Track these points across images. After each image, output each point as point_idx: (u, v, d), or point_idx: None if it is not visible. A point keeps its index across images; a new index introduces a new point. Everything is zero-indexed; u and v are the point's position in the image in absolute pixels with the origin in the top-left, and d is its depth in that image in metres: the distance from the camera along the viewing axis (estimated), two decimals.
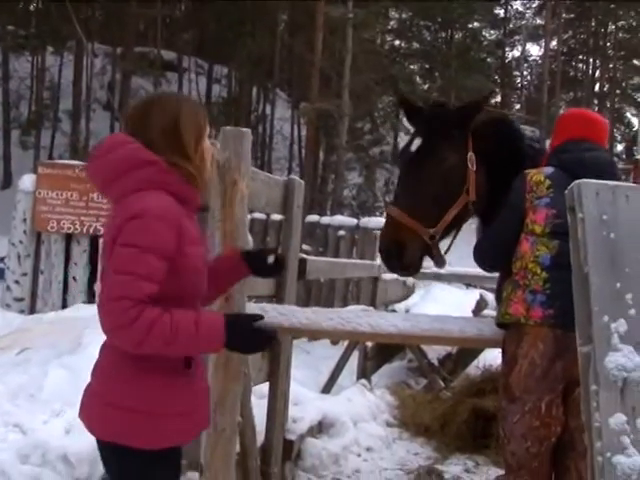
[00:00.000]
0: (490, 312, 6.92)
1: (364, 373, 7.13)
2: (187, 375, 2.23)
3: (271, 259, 2.61)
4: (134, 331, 1.99)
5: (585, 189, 2.33)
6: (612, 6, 33.85)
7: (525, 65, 43.68)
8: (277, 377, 4.37)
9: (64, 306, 8.83)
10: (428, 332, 3.25)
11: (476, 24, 34.44)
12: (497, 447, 4.97)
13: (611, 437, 2.12)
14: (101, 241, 2.23)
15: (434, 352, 7.18)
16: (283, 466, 4.54)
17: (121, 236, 2.06)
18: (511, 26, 39.96)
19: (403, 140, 27.59)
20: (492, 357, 6.22)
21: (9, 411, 4.44)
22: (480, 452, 5.61)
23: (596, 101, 37.48)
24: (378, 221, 11.91)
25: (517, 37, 40.88)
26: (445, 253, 3.24)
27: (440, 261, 3.20)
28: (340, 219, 12.56)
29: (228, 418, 3.15)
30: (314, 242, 12.15)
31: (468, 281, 11.54)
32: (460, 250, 3.28)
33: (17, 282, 9.08)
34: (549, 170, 2.98)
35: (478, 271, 3.80)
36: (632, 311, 2.24)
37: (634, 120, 39.17)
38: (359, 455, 5.36)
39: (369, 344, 7.05)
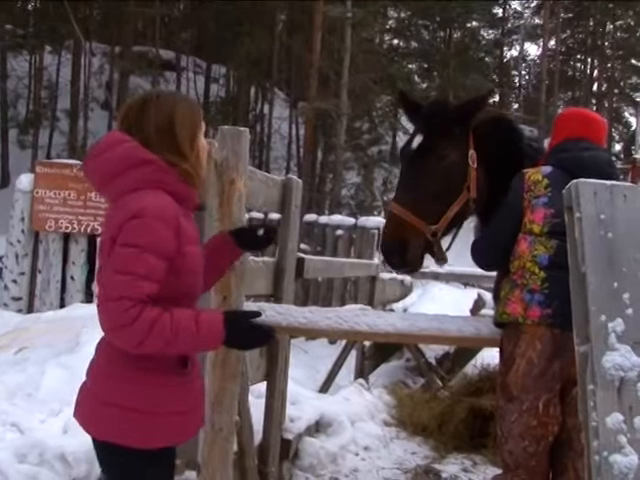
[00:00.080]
0: (488, 311, 6.91)
1: (362, 372, 7.14)
2: (183, 374, 2.23)
3: (260, 232, 2.65)
4: (134, 331, 1.99)
5: (583, 188, 2.33)
6: (610, 6, 33.91)
7: (523, 65, 43.76)
8: (275, 376, 4.37)
9: (62, 305, 8.82)
10: (426, 331, 3.24)
11: (474, 23, 34.46)
12: (494, 446, 4.98)
13: (608, 436, 2.13)
14: (99, 240, 2.23)
15: (432, 351, 7.18)
16: (281, 465, 4.54)
17: (121, 236, 2.06)
18: (509, 26, 39.97)
19: (402, 139, 27.62)
20: (490, 356, 6.23)
21: (7, 410, 4.44)
22: (478, 451, 5.62)
23: (594, 101, 37.48)
24: (376, 220, 11.93)
25: (515, 37, 40.92)
26: (446, 251, 3.24)
27: (442, 258, 3.19)
28: (338, 218, 12.56)
29: (225, 417, 3.15)
30: (312, 241, 12.16)
31: (466, 280, 11.57)
32: (458, 249, 3.27)
33: (15, 281, 9.08)
34: (547, 169, 2.98)
35: (476, 270, 3.81)
36: (629, 310, 2.25)
37: (632, 120, 39.22)
38: (357, 454, 5.36)
39: (367, 343, 7.06)
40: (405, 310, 8.74)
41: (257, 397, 4.43)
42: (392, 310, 8.77)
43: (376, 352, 7.36)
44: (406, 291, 10.64)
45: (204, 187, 2.83)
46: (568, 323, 2.41)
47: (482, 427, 5.74)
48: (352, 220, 12.15)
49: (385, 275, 9.90)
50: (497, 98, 37.97)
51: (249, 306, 3.35)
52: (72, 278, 9.07)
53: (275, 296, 4.34)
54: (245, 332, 2.20)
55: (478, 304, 8.23)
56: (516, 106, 42.46)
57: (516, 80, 44.96)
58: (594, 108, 32.79)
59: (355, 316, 3.27)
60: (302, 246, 10.51)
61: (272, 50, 27.44)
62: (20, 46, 25.71)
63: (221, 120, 22.77)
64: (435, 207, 3.09)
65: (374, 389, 6.67)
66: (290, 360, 4.86)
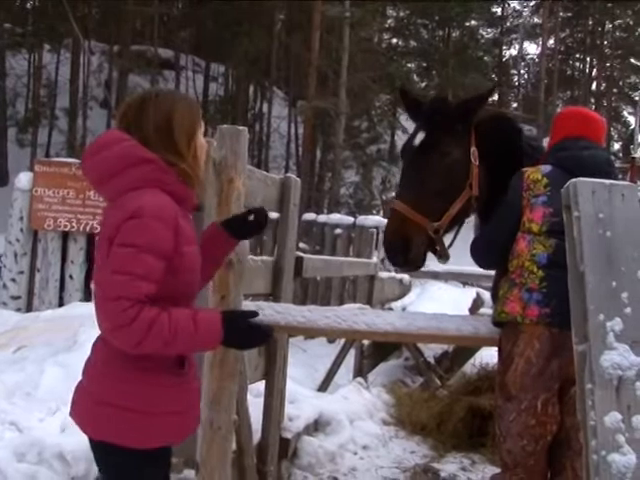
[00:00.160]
0: (487, 310, 6.92)
1: (360, 371, 7.14)
2: (180, 375, 2.23)
3: (251, 217, 2.63)
4: (133, 331, 1.99)
5: (581, 188, 2.33)
6: (609, 5, 33.89)
7: (522, 64, 43.68)
8: (273, 375, 4.37)
9: (61, 304, 8.83)
10: (424, 330, 3.24)
11: (473, 22, 34.39)
12: (493, 445, 4.98)
13: (606, 435, 2.13)
14: (96, 239, 2.23)
15: (430, 350, 7.18)
16: (279, 464, 4.54)
17: (119, 236, 2.05)
18: (508, 24, 39.90)
19: (400, 138, 27.65)
20: (488, 355, 6.23)
21: (5, 409, 4.44)
22: (476, 450, 5.62)
23: (593, 100, 37.48)
24: (375, 219, 11.95)
25: (514, 36, 40.85)
26: (447, 249, 3.23)
27: (444, 255, 3.19)
28: (337, 217, 12.58)
29: (224, 416, 3.15)
30: (311, 240, 12.17)
31: (465, 279, 11.59)
32: (457, 248, 3.27)
33: (14, 280, 9.09)
34: (546, 168, 2.98)
35: (475, 269, 3.81)
36: (627, 310, 2.25)
37: (631, 119, 39.21)
38: (355, 453, 5.36)
39: (365, 342, 7.06)
40: (404, 309, 8.76)
41: (256, 396, 4.43)
42: (391, 309, 8.79)
43: (375, 351, 7.36)
44: (405, 290, 10.65)
45: (203, 187, 2.83)
46: (566, 322, 2.42)
47: (481, 426, 5.75)
48: (351, 219, 12.17)
49: (384, 274, 9.91)
50: (496, 97, 37.98)
51: (247, 305, 3.35)
52: (71, 277, 9.07)
53: (274, 295, 4.34)
54: (243, 332, 2.20)
55: (477, 303, 8.22)
56: (515, 105, 42.43)
57: (515, 79, 44.93)
58: (593, 107, 32.79)
59: (354, 315, 3.27)
60: (301, 245, 10.52)
61: (271, 49, 27.42)
62: (19, 45, 25.67)
63: (220, 119, 22.77)
64: (438, 204, 3.09)
65: (373, 388, 6.68)
66: (289, 359, 4.86)
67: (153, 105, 2.22)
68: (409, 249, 3.06)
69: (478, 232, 3.34)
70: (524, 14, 40.25)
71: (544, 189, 2.91)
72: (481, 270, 3.47)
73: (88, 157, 2.21)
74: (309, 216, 12.85)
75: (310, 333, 5.94)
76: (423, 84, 32.59)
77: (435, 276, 10.59)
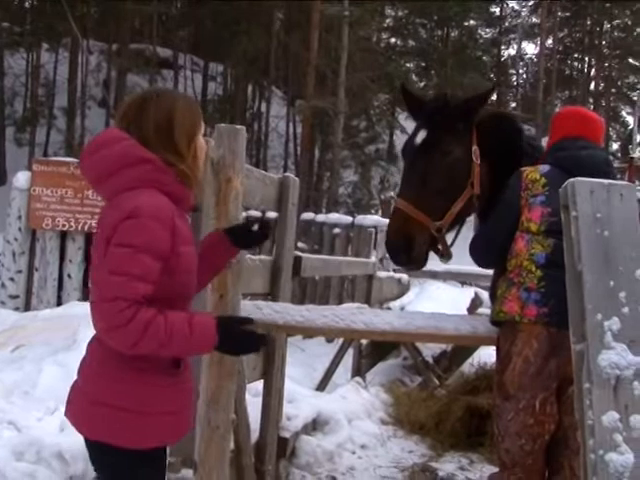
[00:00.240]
0: (485, 310, 6.92)
1: (359, 371, 7.15)
2: (175, 375, 2.22)
3: (255, 227, 2.63)
4: (129, 332, 1.98)
5: (579, 187, 2.33)
6: (607, 5, 33.90)
7: (521, 63, 43.69)
8: (271, 374, 4.37)
9: (59, 303, 8.83)
10: (423, 330, 3.25)
11: (472, 22, 34.39)
12: (491, 445, 4.98)
13: (604, 435, 2.13)
14: (94, 238, 2.22)
15: (429, 350, 7.19)
16: (277, 464, 4.54)
17: (115, 236, 2.04)
18: (507, 24, 39.91)
19: (399, 138, 27.64)
20: (487, 355, 6.23)
21: (4, 408, 4.45)
22: (474, 450, 5.63)
23: (591, 99, 37.47)
24: (373, 219, 11.94)
25: (513, 35, 40.87)
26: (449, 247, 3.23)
27: (446, 254, 3.19)
28: (335, 217, 12.56)
29: (222, 415, 3.15)
30: (309, 240, 12.15)
31: (463, 279, 11.58)
32: (457, 247, 3.27)
33: (12, 279, 9.08)
34: (545, 168, 2.98)
35: (473, 269, 3.81)
36: (625, 309, 2.25)
37: (629, 119, 39.22)
38: (353, 453, 5.36)
39: (364, 342, 7.06)
40: (402, 308, 8.75)
41: (254, 395, 4.43)
42: (389, 308, 8.78)
43: (373, 350, 7.36)
44: (403, 289, 10.63)
45: (201, 188, 2.83)
46: (564, 322, 2.42)
47: (479, 425, 5.75)
48: (349, 218, 12.15)
49: (382, 273, 9.90)
50: (494, 97, 37.97)
51: (246, 304, 3.35)
52: (69, 276, 9.07)
53: (272, 294, 4.34)
54: (237, 338, 2.19)
55: (475, 303, 8.22)
56: (513, 105, 42.40)
57: (513, 79, 44.90)
58: (591, 107, 32.80)
59: (352, 314, 3.28)
60: (299, 244, 10.50)
61: (269, 48, 27.39)
62: (17, 44, 25.65)
63: (218, 118, 22.76)
64: (440, 203, 3.09)
65: (371, 387, 6.68)
66: (287, 358, 4.86)
67: (154, 105, 2.21)
68: (412, 248, 3.06)
69: (477, 231, 3.34)
70: (522, 14, 40.28)
71: (542, 189, 2.92)
72: (479, 270, 3.48)
73: (86, 156, 2.21)
74: (307, 215, 12.83)
75: (308, 332, 5.93)
76: (422, 84, 32.59)
77: (434, 275, 10.59)
